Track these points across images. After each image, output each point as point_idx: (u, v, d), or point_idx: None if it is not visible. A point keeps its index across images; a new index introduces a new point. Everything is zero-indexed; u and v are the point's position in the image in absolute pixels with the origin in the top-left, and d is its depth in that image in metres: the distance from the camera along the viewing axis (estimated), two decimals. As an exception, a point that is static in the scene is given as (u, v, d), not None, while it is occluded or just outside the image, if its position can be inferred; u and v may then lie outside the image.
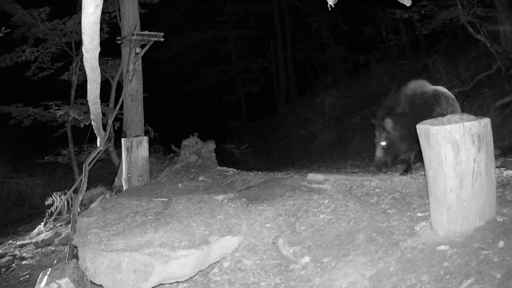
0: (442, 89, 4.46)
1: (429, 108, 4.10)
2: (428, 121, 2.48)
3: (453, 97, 4.45)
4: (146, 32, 6.29)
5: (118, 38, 6.51)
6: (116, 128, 7.23)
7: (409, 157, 4.42)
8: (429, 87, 4.34)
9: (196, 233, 2.94)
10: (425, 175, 2.71)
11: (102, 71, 5.61)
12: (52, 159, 7.98)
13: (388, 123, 3.98)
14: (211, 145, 6.71)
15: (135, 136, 5.37)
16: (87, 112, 5.76)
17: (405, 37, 11.93)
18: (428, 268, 2.19)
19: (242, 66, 17.91)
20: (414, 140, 4.12)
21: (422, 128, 2.40)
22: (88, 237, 3.05)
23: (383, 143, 4.09)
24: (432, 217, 2.47)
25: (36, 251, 5.06)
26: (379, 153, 4.17)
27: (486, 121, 2.31)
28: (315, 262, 2.70)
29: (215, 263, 2.94)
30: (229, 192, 4.25)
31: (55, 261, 4.52)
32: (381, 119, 4.08)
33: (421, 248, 2.37)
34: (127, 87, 6.33)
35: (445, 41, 10.73)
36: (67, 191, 6.17)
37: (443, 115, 4.02)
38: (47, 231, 5.69)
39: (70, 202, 6.08)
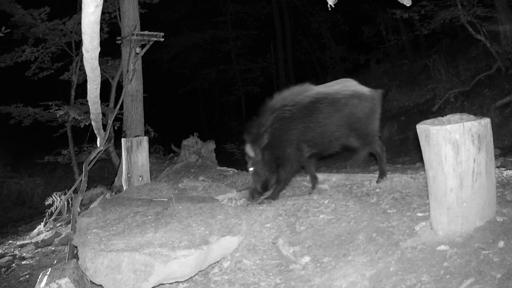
0: (336, 88, 3.71)
1: (294, 123, 3.62)
2: (428, 121, 2.49)
3: (367, 95, 3.63)
4: (146, 32, 6.29)
5: (118, 38, 6.51)
6: (116, 128, 7.23)
7: (277, 177, 3.96)
8: (310, 92, 3.72)
9: (196, 233, 2.94)
10: (425, 175, 2.71)
11: (102, 71, 5.61)
12: (52, 159, 7.98)
13: (249, 150, 3.75)
14: (211, 145, 6.71)
15: (135, 136, 5.36)
16: (87, 112, 5.76)
17: (405, 37, 11.92)
18: (428, 268, 2.19)
19: (242, 66, 17.90)
20: (276, 162, 3.73)
21: (422, 128, 2.39)
22: (88, 237, 3.05)
23: (251, 169, 3.83)
24: (432, 217, 2.47)
25: (36, 251, 5.05)
26: (250, 180, 3.88)
27: (486, 121, 2.31)
28: (315, 262, 2.70)
29: (215, 263, 2.94)
30: (229, 192, 4.25)
31: (55, 261, 4.51)
32: (244, 145, 3.85)
33: (421, 248, 2.37)
34: (127, 87, 6.34)
35: (445, 41, 10.72)
36: (67, 191, 6.16)
37: (318, 125, 3.60)
38: (47, 231, 5.69)
39: (70, 202, 6.08)
